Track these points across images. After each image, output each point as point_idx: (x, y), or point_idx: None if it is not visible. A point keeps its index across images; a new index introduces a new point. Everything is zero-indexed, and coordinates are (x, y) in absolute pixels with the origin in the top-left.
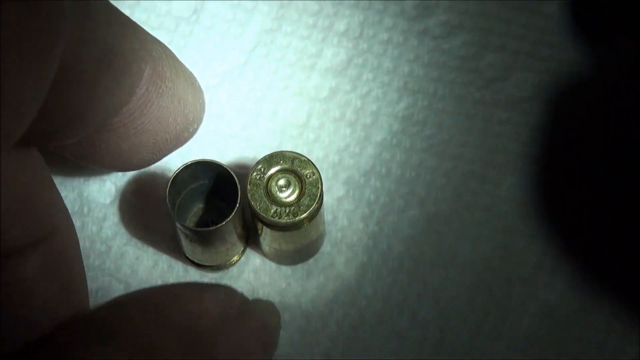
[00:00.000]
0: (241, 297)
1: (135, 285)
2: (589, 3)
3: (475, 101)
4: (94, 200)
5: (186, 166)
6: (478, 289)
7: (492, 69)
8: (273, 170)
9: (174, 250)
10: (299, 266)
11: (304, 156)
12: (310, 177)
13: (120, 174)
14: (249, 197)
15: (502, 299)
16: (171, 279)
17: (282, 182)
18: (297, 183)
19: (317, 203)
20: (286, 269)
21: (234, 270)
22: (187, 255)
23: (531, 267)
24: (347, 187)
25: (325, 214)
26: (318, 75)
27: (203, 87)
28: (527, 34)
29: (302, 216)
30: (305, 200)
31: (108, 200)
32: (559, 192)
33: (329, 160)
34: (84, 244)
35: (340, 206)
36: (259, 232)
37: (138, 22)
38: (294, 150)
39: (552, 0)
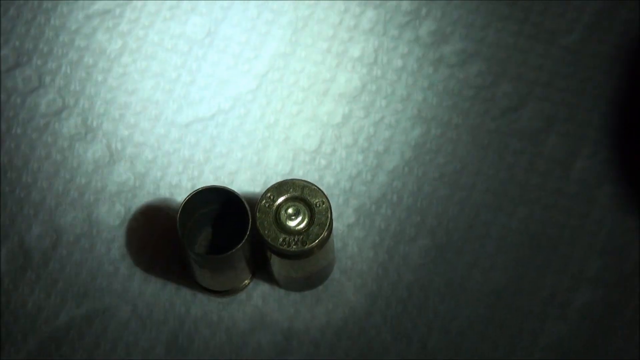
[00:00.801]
0: None
1: (143, 307)
2: None
3: (490, 131)
4: (103, 222)
5: (197, 192)
6: (488, 321)
7: (508, 98)
8: (282, 198)
9: (182, 274)
10: (308, 293)
11: (314, 184)
12: (319, 205)
13: (130, 195)
14: (258, 225)
15: (513, 331)
16: (179, 303)
17: (291, 210)
18: (306, 211)
19: (326, 231)
20: (295, 295)
21: (242, 295)
22: (195, 279)
23: (542, 300)
24: (358, 215)
25: (335, 241)
26: (331, 100)
27: (215, 110)
28: (543, 64)
29: (312, 245)
30: (314, 229)
31: (117, 222)
32: (572, 225)
33: (340, 187)
34: (92, 264)
35: (350, 233)
36: (268, 259)
37: (151, 44)
38: (305, 178)
39: (568, 32)
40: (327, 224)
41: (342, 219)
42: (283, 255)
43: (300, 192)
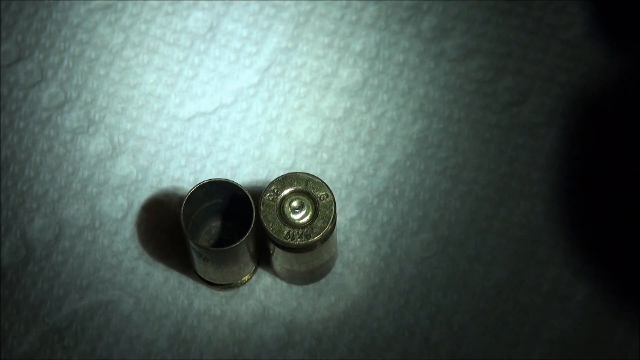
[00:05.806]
0: None
1: (146, 300)
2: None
3: (491, 125)
4: (106, 215)
5: (201, 185)
6: (490, 314)
7: (509, 93)
8: (286, 191)
9: (185, 267)
10: (310, 286)
11: (318, 178)
12: (323, 199)
13: (133, 188)
14: (262, 219)
15: (515, 325)
16: (182, 296)
17: (295, 203)
18: (310, 205)
19: (330, 225)
20: (297, 289)
21: (244, 288)
22: (198, 273)
23: (544, 294)
24: (360, 208)
25: (337, 234)
26: (333, 95)
27: (217, 104)
28: (544, 59)
29: (315, 238)
30: (318, 222)
31: (120, 215)
32: (574, 219)
33: (342, 180)
34: (94, 256)
35: (352, 227)
36: (271, 252)
37: (153, 38)
38: (307, 171)
39: (569, 26)
40: (331, 217)
41: (344, 213)
42: (287, 248)
43: (304, 186)
